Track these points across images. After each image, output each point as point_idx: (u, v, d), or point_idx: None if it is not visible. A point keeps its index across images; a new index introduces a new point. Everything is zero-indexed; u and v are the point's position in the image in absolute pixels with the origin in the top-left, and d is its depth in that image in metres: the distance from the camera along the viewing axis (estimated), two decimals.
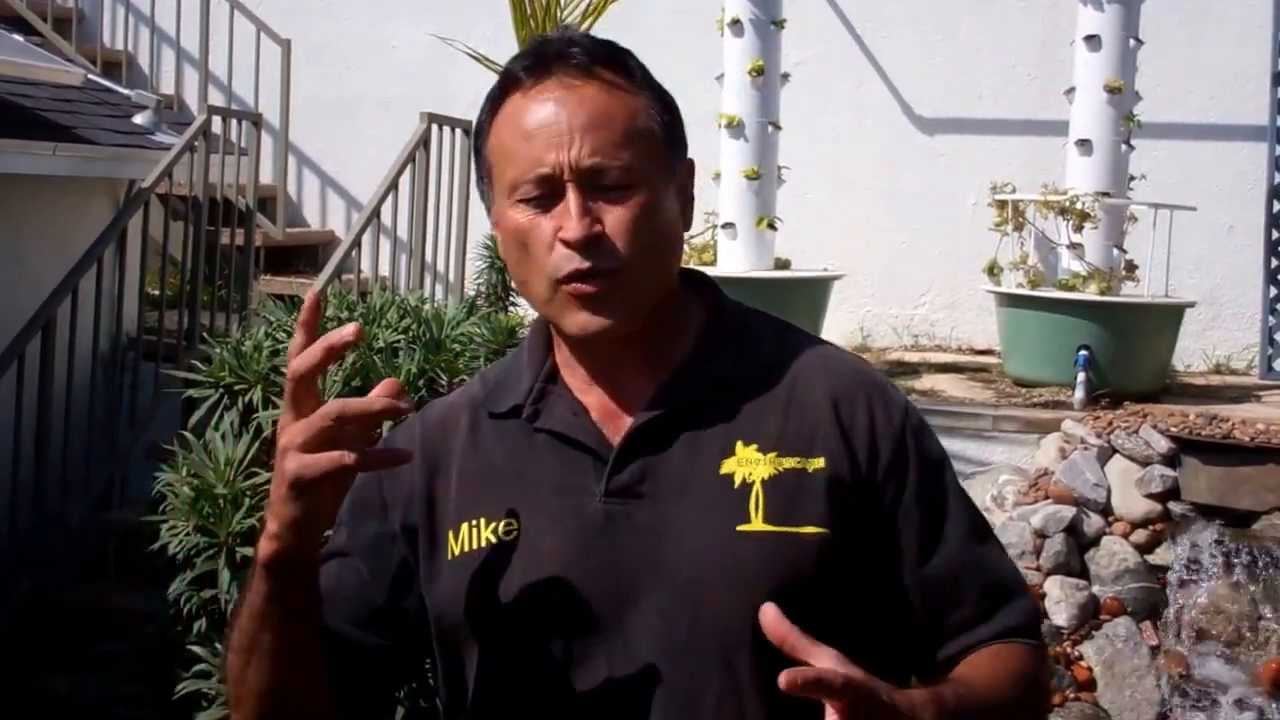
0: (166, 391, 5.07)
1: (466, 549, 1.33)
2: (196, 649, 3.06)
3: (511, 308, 4.31)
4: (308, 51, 7.27)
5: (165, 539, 3.15)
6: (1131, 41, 5.64)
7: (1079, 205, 5.53)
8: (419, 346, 3.48)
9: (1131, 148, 5.68)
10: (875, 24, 7.00)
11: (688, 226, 1.38)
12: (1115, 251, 5.66)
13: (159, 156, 5.78)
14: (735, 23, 5.91)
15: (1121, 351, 5.40)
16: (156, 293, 6.17)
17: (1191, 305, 5.88)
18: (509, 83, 1.34)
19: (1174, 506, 4.67)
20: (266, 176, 6.96)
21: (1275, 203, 6.29)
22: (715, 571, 1.26)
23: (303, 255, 7.40)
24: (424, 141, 5.56)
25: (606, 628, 1.27)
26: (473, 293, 4.46)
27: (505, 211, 1.33)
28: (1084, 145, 5.66)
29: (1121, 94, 5.60)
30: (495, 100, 1.35)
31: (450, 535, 1.35)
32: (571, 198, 1.28)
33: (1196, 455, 4.72)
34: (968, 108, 6.76)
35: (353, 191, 7.68)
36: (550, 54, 1.33)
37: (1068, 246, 5.64)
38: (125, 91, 6.92)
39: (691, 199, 1.39)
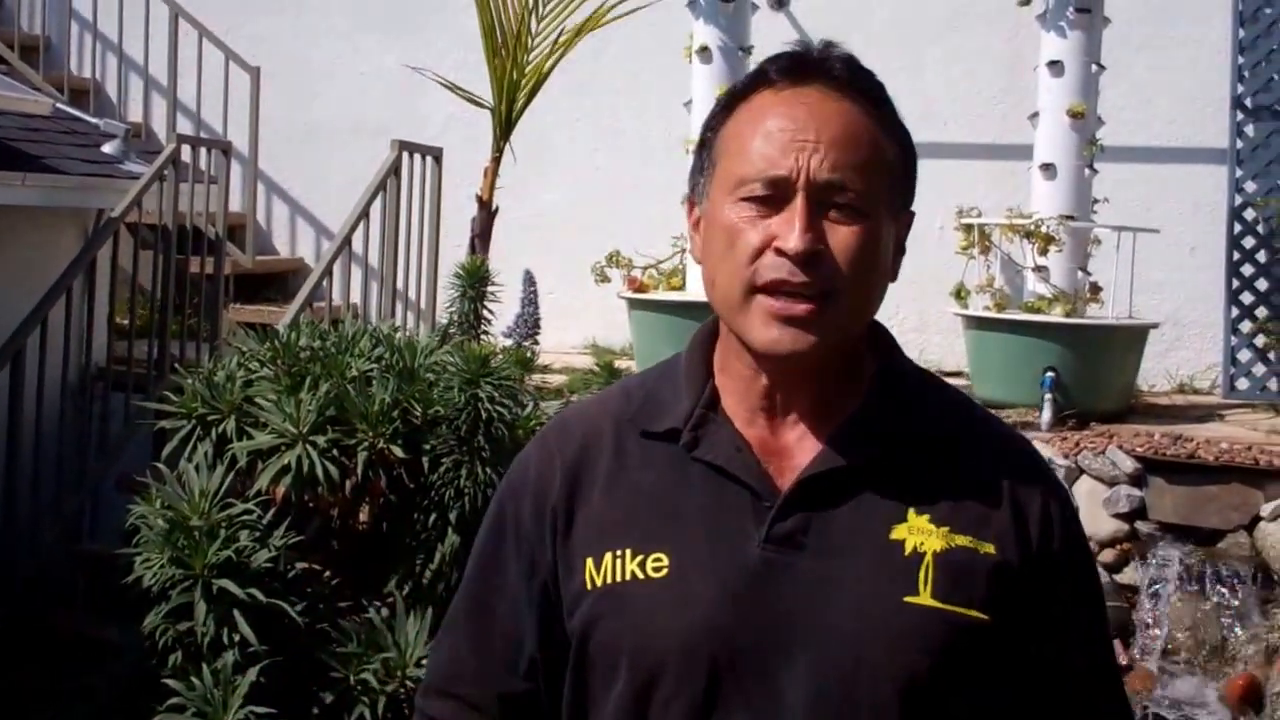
0: (137, 423, 5.05)
1: (610, 580, 1.26)
2: (171, 682, 3.05)
3: (484, 336, 4.32)
4: (276, 79, 7.28)
5: (139, 571, 3.14)
6: (1094, 67, 5.72)
7: (1043, 229, 5.59)
8: (392, 375, 3.48)
9: (1095, 171, 5.76)
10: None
11: (894, 278, 1.31)
12: (1080, 274, 5.72)
13: (128, 186, 5.77)
14: (704, 50, 5.96)
15: (1087, 373, 5.45)
16: (126, 323, 6.15)
17: (1155, 326, 5.94)
18: (759, 80, 1.29)
19: (1141, 526, 4.72)
20: (235, 204, 6.96)
21: (1236, 224, 6.37)
22: (877, 638, 1.21)
23: (272, 284, 7.39)
24: (395, 169, 5.58)
25: (754, 679, 1.22)
26: (445, 321, 4.46)
27: (721, 206, 1.26)
28: (1048, 169, 5.72)
29: (1084, 119, 5.67)
30: (738, 94, 1.30)
31: (590, 563, 1.28)
32: (800, 207, 1.22)
33: (1162, 475, 4.77)
34: (934, 132, 6.82)
35: (322, 219, 7.68)
36: (810, 61, 1.28)
37: (1033, 269, 5.70)
38: (94, 120, 6.90)
39: (903, 251, 1.33)
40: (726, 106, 1.30)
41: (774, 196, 1.23)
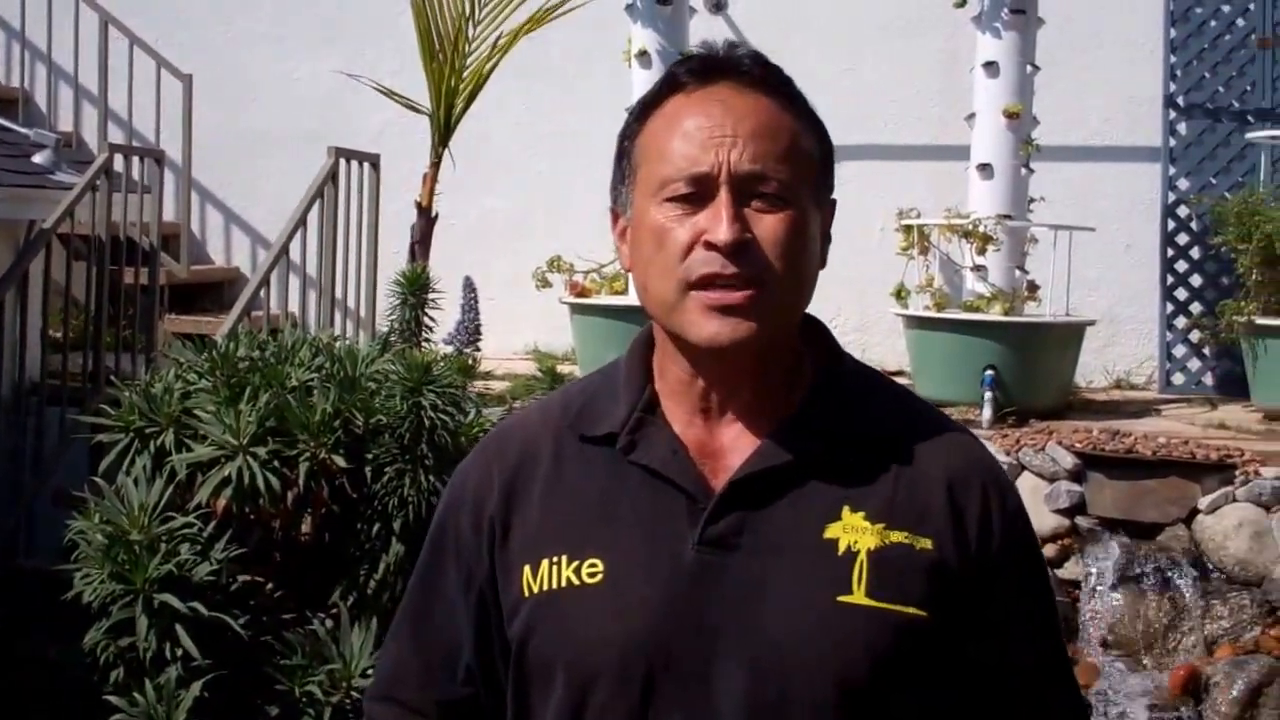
0: (73, 437, 4.96)
1: (546, 587, 1.26)
2: (113, 699, 3.00)
3: (425, 344, 4.29)
4: (209, 87, 7.19)
5: (79, 587, 3.09)
6: (1028, 67, 5.78)
7: (981, 228, 5.64)
8: (333, 385, 3.45)
9: (1031, 171, 5.82)
10: (781, 53, 6.90)
11: (823, 266, 1.33)
12: (1017, 273, 5.78)
13: (60, 196, 5.68)
14: (643, 54, 5.96)
15: (1026, 370, 5.51)
16: (59, 335, 6.04)
17: (1092, 323, 6.02)
18: (670, 85, 1.30)
19: (1081, 521, 4.77)
20: (169, 214, 6.87)
21: (1170, 221, 6.47)
22: (811, 638, 1.21)
23: (208, 294, 7.31)
24: (332, 176, 5.52)
25: (690, 681, 1.22)
26: (385, 329, 4.43)
27: (646, 211, 1.27)
28: (985, 169, 5.78)
29: (1020, 119, 5.73)
30: (651, 102, 1.31)
31: (527, 570, 1.28)
32: (724, 200, 1.23)
33: (1101, 470, 4.82)
34: (873, 134, 6.86)
35: (258, 227, 7.60)
36: (719, 62, 1.30)
37: (971, 269, 5.75)
38: (23, 130, 6.79)
39: (829, 240, 1.34)
40: (640, 115, 1.31)
41: (698, 193, 1.24)
